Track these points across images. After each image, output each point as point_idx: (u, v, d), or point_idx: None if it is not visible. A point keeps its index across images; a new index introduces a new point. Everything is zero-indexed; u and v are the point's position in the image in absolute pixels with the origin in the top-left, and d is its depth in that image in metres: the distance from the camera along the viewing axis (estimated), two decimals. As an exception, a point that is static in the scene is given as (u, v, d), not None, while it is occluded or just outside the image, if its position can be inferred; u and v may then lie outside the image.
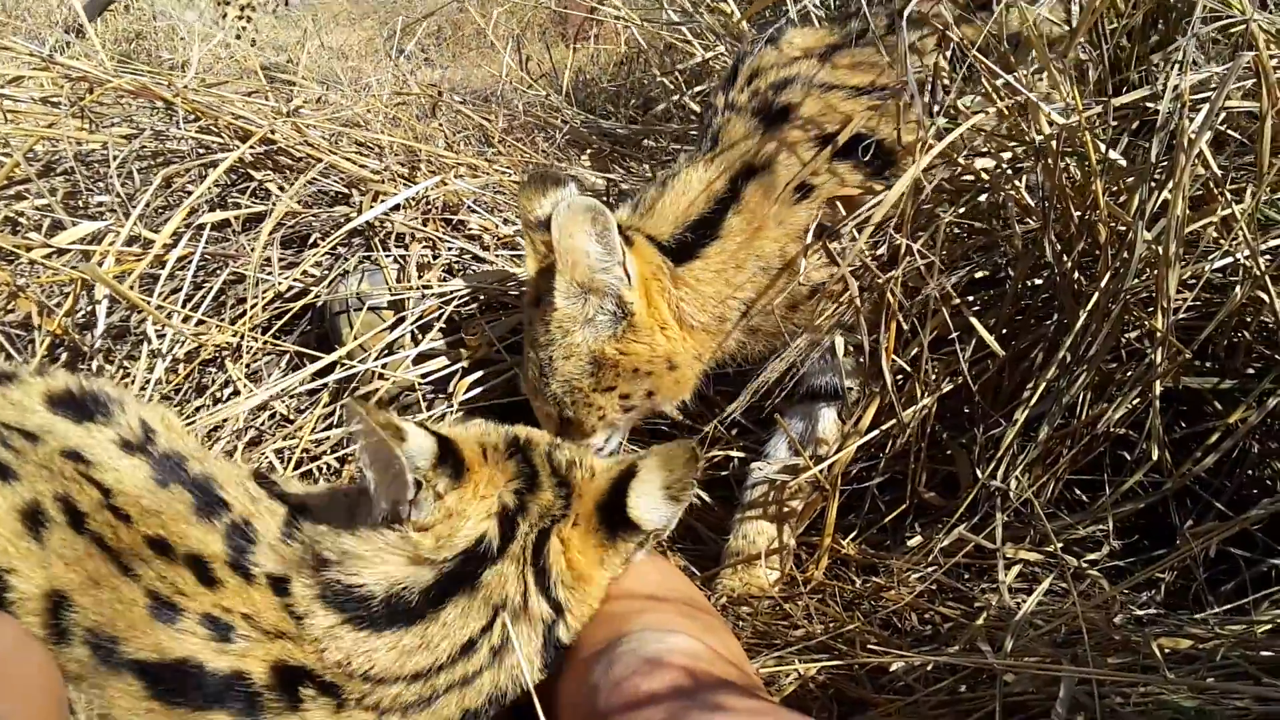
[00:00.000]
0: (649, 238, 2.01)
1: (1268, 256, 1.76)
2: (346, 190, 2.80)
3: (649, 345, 1.98)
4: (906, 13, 1.87)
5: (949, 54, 2.00)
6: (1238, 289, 1.74)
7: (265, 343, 2.49)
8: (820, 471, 2.01)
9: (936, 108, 1.97)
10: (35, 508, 1.31)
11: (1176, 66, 1.76)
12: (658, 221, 2.04)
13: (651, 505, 1.46)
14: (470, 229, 2.74)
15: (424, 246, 2.63)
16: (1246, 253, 1.71)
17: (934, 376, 2.00)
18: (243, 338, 2.47)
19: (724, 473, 2.40)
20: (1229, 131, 1.88)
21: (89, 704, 1.29)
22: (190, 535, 1.36)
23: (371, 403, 1.49)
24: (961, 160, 1.95)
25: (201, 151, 2.81)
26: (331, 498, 1.62)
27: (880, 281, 1.94)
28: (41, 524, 1.30)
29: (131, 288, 2.35)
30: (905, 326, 1.98)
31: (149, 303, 2.36)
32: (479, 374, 2.38)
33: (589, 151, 3.67)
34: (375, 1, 8.41)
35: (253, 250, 2.54)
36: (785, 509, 2.10)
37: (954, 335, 1.94)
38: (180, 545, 1.34)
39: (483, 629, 1.37)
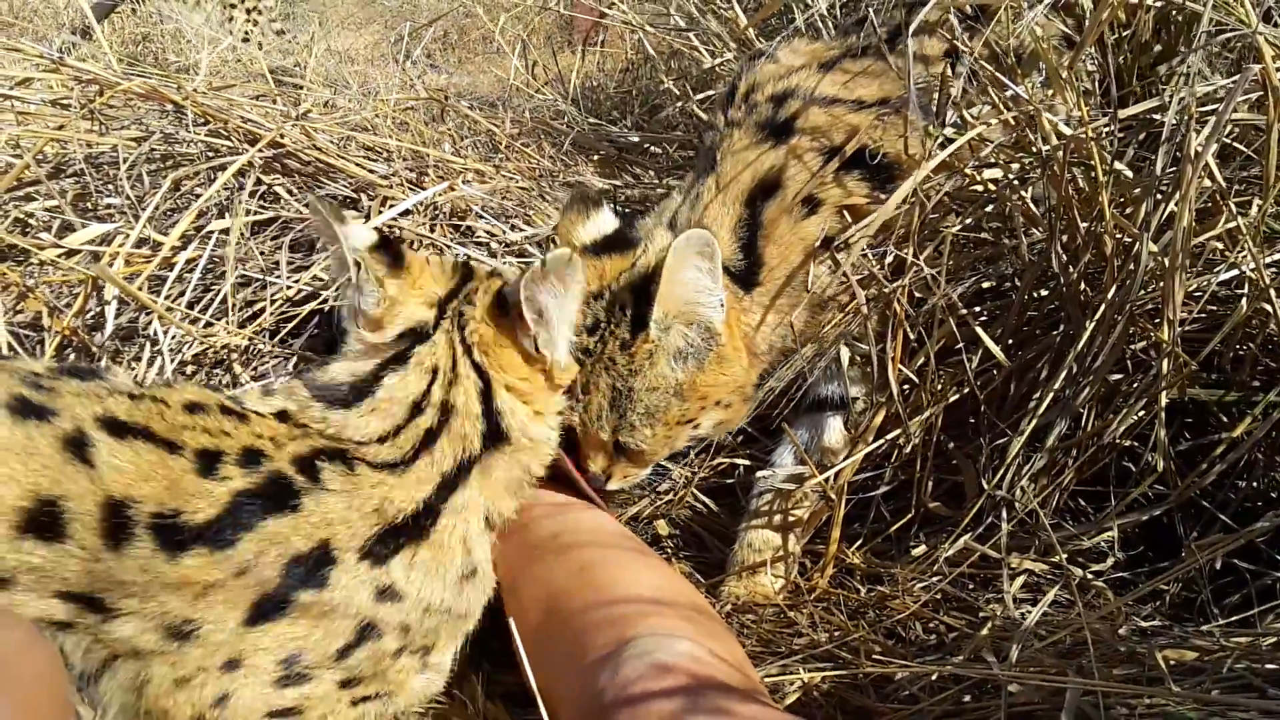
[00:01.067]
0: None
1: (1273, 269, 1.77)
2: (355, 195, 2.81)
3: (732, 376, 1.96)
4: (913, 27, 1.88)
5: (956, 65, 2.01)
6: (1243, 301, 1.75)
7: (273, 347, 2.49)
8: (826, 480, 2.02)
9: (942, 117, 1.99)
10: (78, 435, 1.39)
11: (1183, 79, 1.77)
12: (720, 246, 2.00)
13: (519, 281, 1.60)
14: (478, 235, 2.75)
15: (432, 252, 2.64)
16: (1252, 265, 1.72)
17: (939, 387, 2.01)
18: (251, 339, 2.48)
19: (730, 480, 2.41)
20: (1235, 144, 1.89)
21: (150, 618, 1.38)
22: (212, 396, 1.57)
23: None
24: (969, 170, 1.96)
25: (210, 154, 2.82)
26: None
27: (887, 291, 1.95)
28: (86, 445, 1.39)
29: (140, 289, 2.36)
30: (912, 336, 1.99)
31: (157, 302, 2.37)
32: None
33: (596, 157, 3.67)
34: (381, 6, 8.43)
35: (262, 254, 2.55)
36: (791, 518, 2.11)
37: (960, 346, 1.95)
38: (210, 399, 1.54)
39: (424, 391, 1.58)
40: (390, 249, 1.64)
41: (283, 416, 1.57)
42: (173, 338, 2.42)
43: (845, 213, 2.00)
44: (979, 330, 1.95)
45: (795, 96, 2.08)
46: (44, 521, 1.33)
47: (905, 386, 2.02)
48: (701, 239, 1.79)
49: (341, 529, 1.46)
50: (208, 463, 1.43)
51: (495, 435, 1.60)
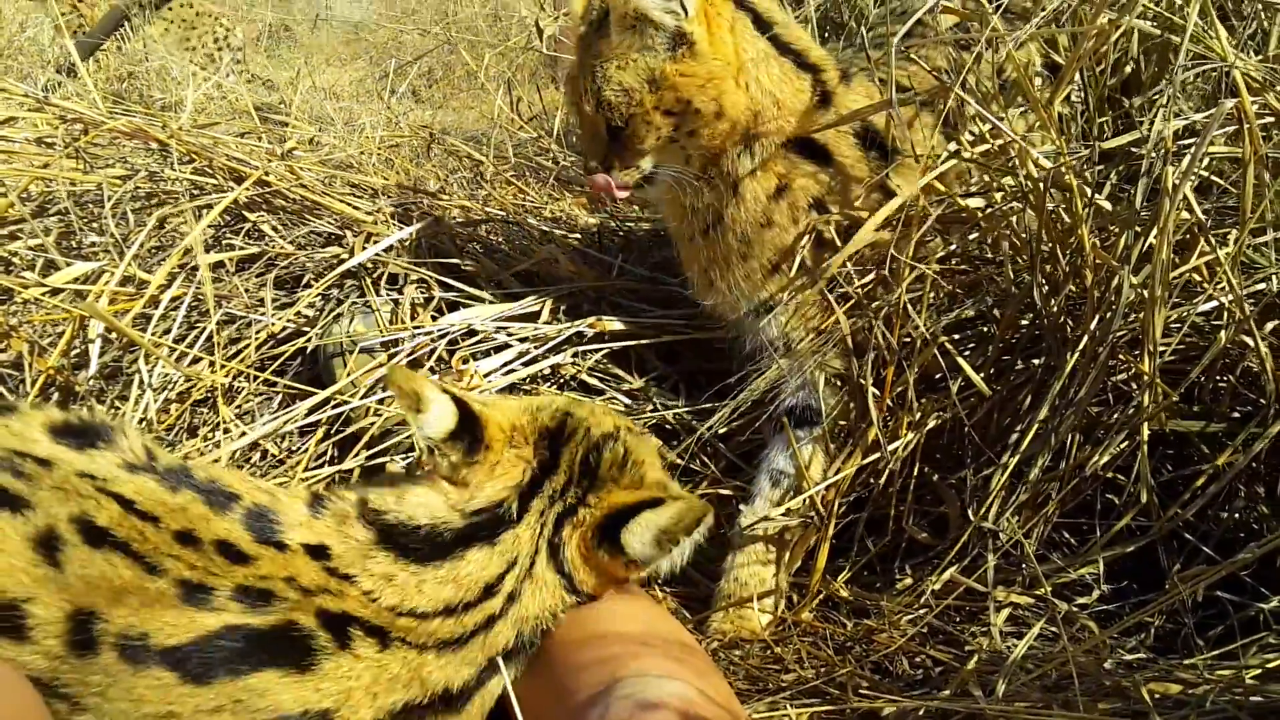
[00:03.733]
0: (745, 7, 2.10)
1: (1251, 300, 1.78)
2: (340, 232, 2.82)
3: (705, 75, 2.01)
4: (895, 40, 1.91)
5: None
6: (1222, 333, 1.76)
7: (259, 381, 2.49)
8: (807, 505, 2.02)
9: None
10: (50, 534, 1.35)
11: (1160, 112, 1.79)
12: None
13: (640, 541, 1.55)
14: (464, 269, 2.75)
15: (417, 288, 2.64)
16: (1231, 297, 1.73)
17: (919, 415, 2.01)
18: (235, 378, 2.48)
19: (726, 512, 2.40)
20: (1213, 177, 1.91)
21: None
22: (213, 526, 1.45)
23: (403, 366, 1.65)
24: (943, 189, 1.98)
25: (196, 192, 2.82)
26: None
27: (869, 315, 1.97)
28: (57, 549, 1.34)
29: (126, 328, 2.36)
30: (889, 360, 2.00)
31: (145, 337, 2.37)
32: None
33: (580, 193, 3.69)
34: (366, 43, 8.46)
35: (246, 291, 2.55)
36: (776, 550, 2.10)
37: (940, 375, 1.96)
38: (207, 534, 1.43)
39: (499, 575, 1.52)
40: (470, 435, 1.56)
41: (320, 553, 1.48)
42: (158, 376, 2.42)
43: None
44: (960, 360, 1.96)
45: None
46: (5, 626, 1.30)
47: (883, 411, 2.03)
48: None
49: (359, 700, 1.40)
50: (192, 590, 1.37)
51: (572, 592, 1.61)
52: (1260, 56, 1.99)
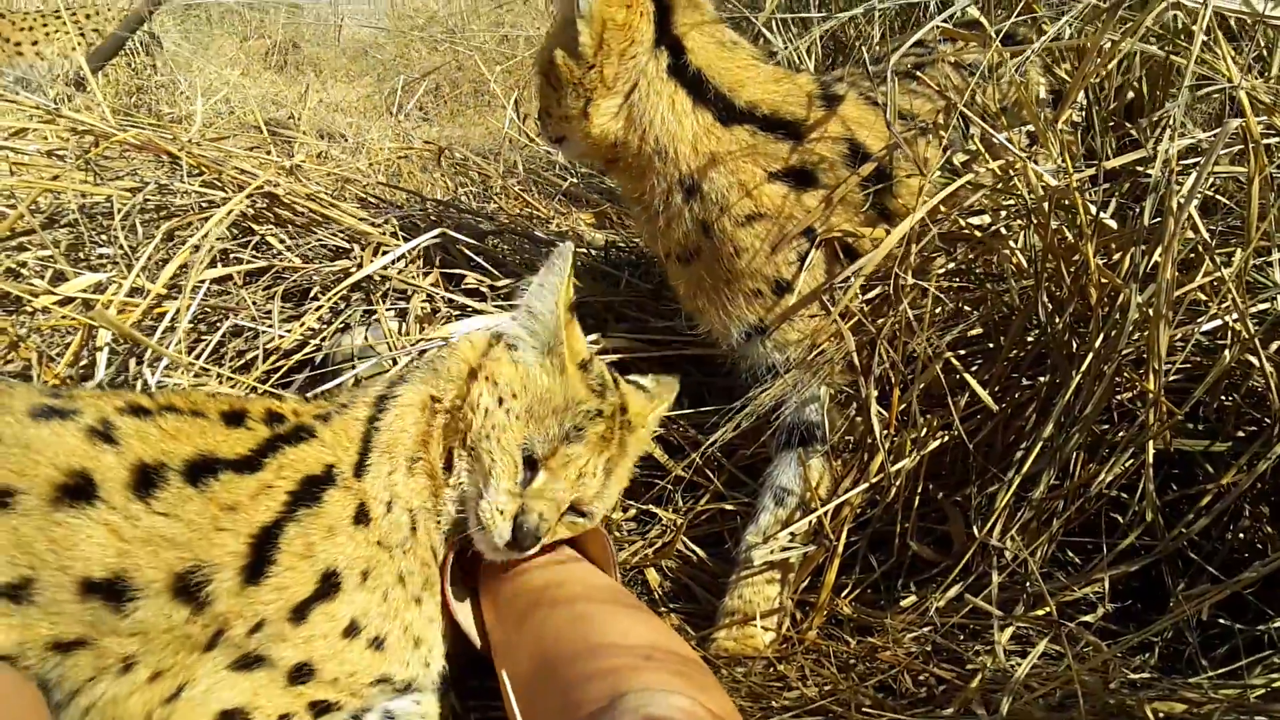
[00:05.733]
0: (672, 43, 2.13)
1: (1255, 320, 1.78)
2: (347, 245, 2.82)
3: (580, 75, 2.15)
4: (891, 63, 1.92)
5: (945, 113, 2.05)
6: (1227, 352, 1.77)
7: (263, 393, 2.49)
8: (815, 524, 2.02)
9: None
10: (104, 423, 1.57)
11: (1165, 130, 1.80)
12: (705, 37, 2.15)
13: None
14: (469, 282, 2.76)
15: (424, 300, 2.65)
16: (1235, 316, 1.73)
17: (924, 432, 2.02)
18: (237, 388, 2.48)
19: (719, 529, 2.40)
20: (1217, 196, 1.92)
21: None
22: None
23: None
24: (955, 216, 1.98)
25: (205, 205, 2.83)
26: None
27: (871, 331, 1.97)
28: (111, 432, 1.56)
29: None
30: (894, 379, 2.00)
31: (152, 340, 2.37)
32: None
33: (588, 209, 3.71)
34: (374, 60, 8.50)
35: (253, 304, 2.56)
36: (781, 568, 2.10)
37: (946, 391, 1.96)
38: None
39: None
40: None
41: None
42: (163, 387, 2.42)
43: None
44: (966, 375, 1.96)
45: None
46: (76, 487, 1.47)
47: (890, 430, 2.03)
48: None
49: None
50: (234, 418, 1.66)
51: None
52: (1264, 77, 2.00)
